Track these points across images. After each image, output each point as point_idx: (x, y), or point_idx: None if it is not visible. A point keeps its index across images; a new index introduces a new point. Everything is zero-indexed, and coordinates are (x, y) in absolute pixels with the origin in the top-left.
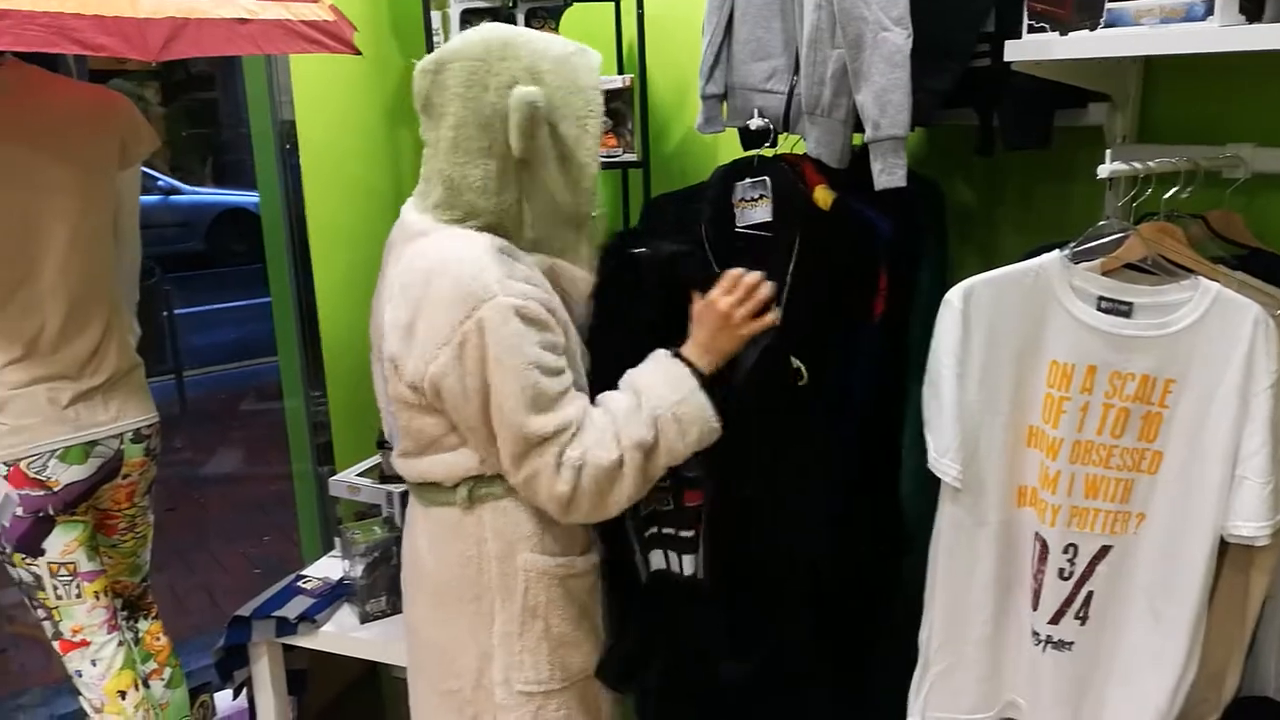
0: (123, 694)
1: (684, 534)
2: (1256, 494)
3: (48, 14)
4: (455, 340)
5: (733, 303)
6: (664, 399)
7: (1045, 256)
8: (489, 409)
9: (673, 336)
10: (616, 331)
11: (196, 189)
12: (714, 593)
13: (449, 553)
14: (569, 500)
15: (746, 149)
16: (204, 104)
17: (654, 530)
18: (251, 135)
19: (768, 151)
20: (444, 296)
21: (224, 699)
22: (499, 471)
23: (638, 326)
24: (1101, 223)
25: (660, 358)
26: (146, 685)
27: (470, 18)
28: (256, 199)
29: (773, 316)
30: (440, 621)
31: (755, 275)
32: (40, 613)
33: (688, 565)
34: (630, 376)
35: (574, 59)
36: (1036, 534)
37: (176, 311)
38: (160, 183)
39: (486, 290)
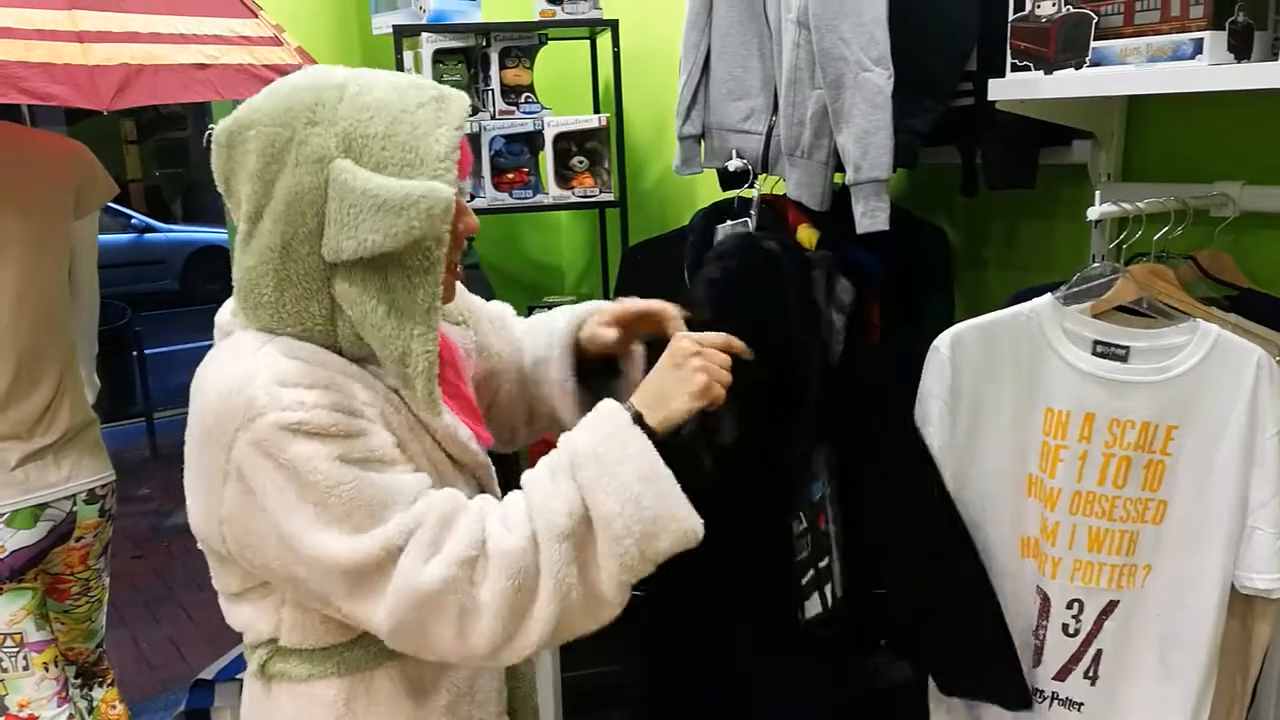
0: None
1: (821, 564)
2: (1270, 545)
3: None
4: (226, 480)
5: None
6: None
7: (1037, 300)
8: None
9: None
10: None
11: (171, 227)
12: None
13: None
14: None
15: (725, 190)
16: (176, 143)
17: (810, 573)
18: None
19: (747, 192)
20: (205, 427)
21: None
22: (301, 645)
23: None
24: (1092, 265)
25: (631, 436)
26: None
27: (442, 58)
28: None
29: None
30: None
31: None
32: None
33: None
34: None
35: (421, 114)
36: (1038, 587)
37: (149, 351)
38: (135, 221)
39: (250, 407)
